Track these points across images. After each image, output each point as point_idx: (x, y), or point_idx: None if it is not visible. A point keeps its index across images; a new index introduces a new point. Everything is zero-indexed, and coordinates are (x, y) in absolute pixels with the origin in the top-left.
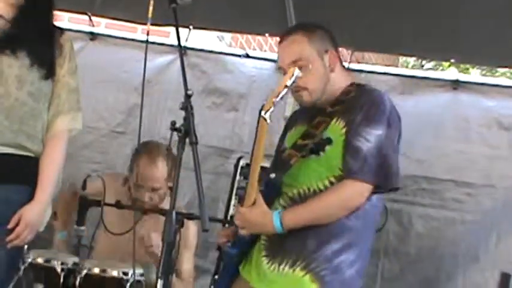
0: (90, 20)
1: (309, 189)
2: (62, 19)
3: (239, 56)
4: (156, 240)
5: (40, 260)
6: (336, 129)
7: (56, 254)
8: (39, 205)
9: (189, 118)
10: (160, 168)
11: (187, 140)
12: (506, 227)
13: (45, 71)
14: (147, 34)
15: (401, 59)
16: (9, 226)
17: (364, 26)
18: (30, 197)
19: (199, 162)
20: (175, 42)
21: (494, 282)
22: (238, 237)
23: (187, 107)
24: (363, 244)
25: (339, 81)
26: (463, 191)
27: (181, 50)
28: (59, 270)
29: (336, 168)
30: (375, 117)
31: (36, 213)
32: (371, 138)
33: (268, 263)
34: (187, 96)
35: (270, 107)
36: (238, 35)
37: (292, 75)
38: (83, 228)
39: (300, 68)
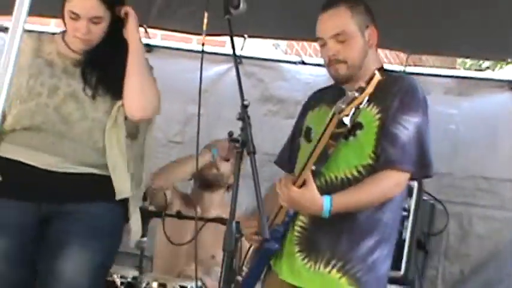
0: (146, 32)
1: (336, 177)
2: None
3: (295, 63)
4: None
5: None
6: (368, 114)
7: (116, 268)
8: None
9: (246, 128)
10: None
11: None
12: None
13: (115, 94)
14: (202, 45)
15: (459, 60)
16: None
17: (419, 28)
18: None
19: (257, 171)
20: (231, 51)
21: None
22: (274, 233)
23: (244, 117)
24: (393, 237)
25: (373, 61)
26: None
27: (236, 60)
28: (118, 283)
29: (366, 155)
30: (412, 105)
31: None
32: (409, 126)
33: (303, 259)
34: (244, 107)
35: (348, 114)
36: (294, 42)
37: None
38: (144, 239)
39: (343, 42)
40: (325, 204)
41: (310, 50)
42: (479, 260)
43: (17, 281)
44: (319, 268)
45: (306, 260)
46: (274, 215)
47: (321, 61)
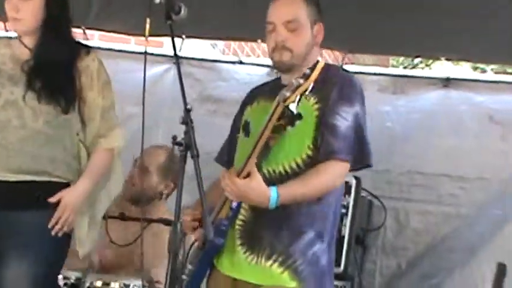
0: (84, 33)
1: (274, 171)
2: None
3: (233, 62)
4: None
5: None
6: (307, 105)
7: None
8: (78, 188)
9: (189, 132)
10: None
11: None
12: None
13: (63, 107)
14: (145, 50)
15: (392, 59)
16: (52, 200)
17: (356, 28)
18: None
19: (201, 174)
20: (169, 52)
21: None
22: (219, 227)
23: (187, 121)
24: (333, 229)
25: (315, 57)
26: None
27: (179, 64)
28: (61, 284)
29: (305, 147)
30: (351, 96)
31: (74, 195)
32: (348, 116)
33: (245, 252)
34: (187, 111)
35: (294, 101)
36: (231, 42)
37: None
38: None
39: (293, 31)
40: (272, 195)
41: (247, 49)
42: (416, 254)
43: None
44: (260, 262)
45: (247, 254)
46: (219, 209)
47: (259, 61)
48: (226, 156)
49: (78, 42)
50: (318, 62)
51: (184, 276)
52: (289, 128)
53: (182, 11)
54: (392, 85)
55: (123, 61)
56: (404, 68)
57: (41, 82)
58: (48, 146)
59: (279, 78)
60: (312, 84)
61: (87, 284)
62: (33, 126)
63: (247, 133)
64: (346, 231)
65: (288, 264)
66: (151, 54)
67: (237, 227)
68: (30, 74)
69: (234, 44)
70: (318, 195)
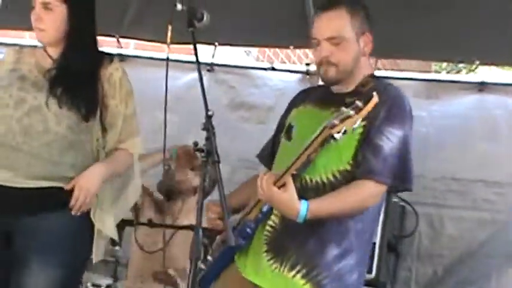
0: (118, 42)
1: (311, 180)
2: None
3: (265, 69)
4: None
5: None
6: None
7: (89, 275)
8: (93, 170)
9: (211, 138)
10: None
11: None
12: None
13: (84, 114)
14: (167, 57)
15: (434, 64)
16: (67, 187)
17: (385, 33)
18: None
19: (222, 180)
20: (203, 59)
21: None
22: (245, 228)
23: (208, 127)
24: (364, 248)
25: (364, 69)
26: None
27: (200, 70)
28: None
29: (344, 161)
30: (398, 117)
31: (88, 177)
32: (393, 138)
33: (269, 260)
34: (208, 117)
35: (340, 131)
36: (266, 49)
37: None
38: (117, 248)
39: (337, 45)
40: (302, 210)
41: (282, 55)
42: (452, 261)
43: None
44: (283, 271)
45: (272, 261)
46: (249, 209)
47: (292, 67)
48: (267, 154)
49: (102, 52)
50: (372, 96)
51: (202, 266)
52: (331, 141)
53: (205, 18)
54: (427, 90)
55: (157, 69)
56: (448, 73)
57: (62, 89)
58: (70, 151)
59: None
60: (359, 120)
61: None
62: (56, 130)
63: (289, 137)
64: (377, 238)
65: (312, 276)
66: (185, 61)
67: (265, 232)
68: (52, 82)
69: (268, 51)
70: (349, 213)
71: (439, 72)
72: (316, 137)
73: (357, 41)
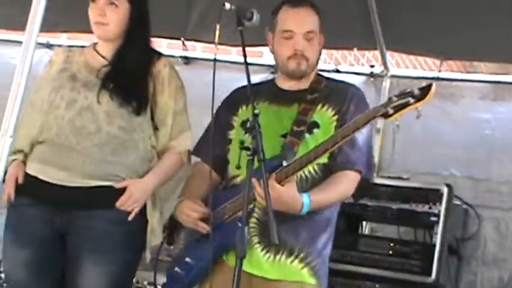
0: (184, 44)
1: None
2: (160, 45)
3: (329, 71)
4: None
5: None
6: (324, 115)
7: (146, 274)
8: (145, 182)
9: (257, 136)
10: None
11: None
12: None
13: (134, 107)
14: (215, 56)
15: None
16: (117, 186)
17: (451, 35)
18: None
19: (267, 178)
20: (269, 62)
21: None
22: (233, 225)
23: (254, 125)
24: (333, 235)
25: (316, 67)
26: None
27: (248, 70)
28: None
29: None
30: (365, 110)
31: (140, 188)
32: (363, 130)
33: (262, 250)
34: (254, 115)
35: (398, 118)
36: (333, 50)
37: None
38: (172, 247)
39: (309, 40)
40: (305, 203)
41: (350, 58)
42: None
43: None
44: (280, 259)
45: (265, 251)
46: (241, 207)
47: (356, 69)
48: (206, 151)
49: (152, 49)
50: (317, 74)
51: (177, 269)
52: (306, 135)
53: (254, 17)
54: (493, 92)
55: (224, 72)
56: None
57: (114, 84)
58: (122, 151)
59: (272, 81)
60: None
61: None
62: (108, 130)
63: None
64: (437, 240)
65: (307, 261)
66: (250, 64)
67: (252, 225)
68: (105, 78)
69: (336, 53)
70: (337, 203)
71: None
72: (359, 126)
73: (319, 39)
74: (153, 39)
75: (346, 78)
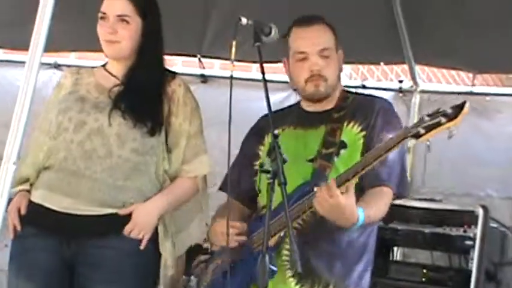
0: (200, 61)
1: None
2: (175, 63)
3: (354, 87)
4: None
5: None
6: (351, 132)
7: None
8: (151, 205)
9: (277, 158)
10: None
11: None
12: None
13: (149, 128)
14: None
15: None
16: (121, 212)
17: (485, 47)
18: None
19: (287, 201)
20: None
21: None
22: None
23: (274, 146)
24: (373, 260)
25: (340, 84)
26: None
27: (266, 86)
28: None
29: None
30: (394, 123)
31: (144, 213)
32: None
33: (296, 284)
34: (275, 136)
35: (429, 139)
36: (360, 66)
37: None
38: (192, 277)
39: (326, 58)
40: (360, 216)
41: (378, 73)
42: None
43: None
44: None
45: (300, 285)
46: (270, 236)
47: (385, 84)
48: (236, 185)
49: (166, 69)
50: (343, 90)
51: None
52: (335, 158)
53: (273, 33)
54: None
55: (243, 90)
56: None
57: (126, 103)
58: (134, 175)
59: (297, 104)
60: (454, 126)
61: None
62: (119, 154)
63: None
64: (473, 266)
65: None
66: (271, 81)
67: (283, 257)
68: (117, 98)
69: (362, 68)
70: (378, 221)
71: None
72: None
73: (337, 56)
74: (167, 57)
75: (374, 94)
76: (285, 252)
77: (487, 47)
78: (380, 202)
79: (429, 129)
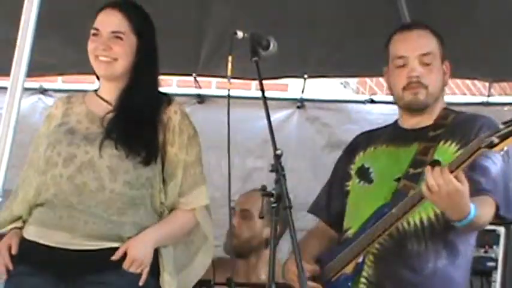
0: (196, 81)
1: (408, 223)
2: (170, 83)
3: (363, 102)
4: None
5: None
6: (447, 151)
7: None
8: (144, 237)
9: (280, 180)
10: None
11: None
12: None
13: (143, 157)
14: (228, 91)
15: None
16: (114, 258)
17: (501, 53)
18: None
19: (294, 226)
20: (294, 96)
21: None
22: (346, 283)
23: (277, 168)
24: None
25: (442, 100)
26: None
27: (267, 105)
28: None
29: None
30: None
31: (138, 247)
32: (497, 162)
33: None
34: (277, 157)
35: (503, 149)
36: (367, 78)
37: None
38: None
39: (428, 65)
40: (472, 210)
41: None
42: None
43: None
44: None
45: None
46: (346, 263)
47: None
48: (324, 206)
49: (161, 93)
50: (444, 108)
51: None
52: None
53: (271, 46)
54: None
55: (242, 109)
56: None
57: (119, 131)
58: (129, 210)
59: (395, 122)
60: None
61: None
62: (112, 188)
63: (369, 180)
64: (497, 283)
65: None
66: (272, 98)
67: (361, 285)
68: (108, 127)
69: (370, 81)
70: (482, 227)
71: None
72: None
73: (442, 65)
74: (161, 78)
75: (382, 108)
76: (363, 280)
77: (503, 54)
78: (487, 210)
79: (504, 137)
